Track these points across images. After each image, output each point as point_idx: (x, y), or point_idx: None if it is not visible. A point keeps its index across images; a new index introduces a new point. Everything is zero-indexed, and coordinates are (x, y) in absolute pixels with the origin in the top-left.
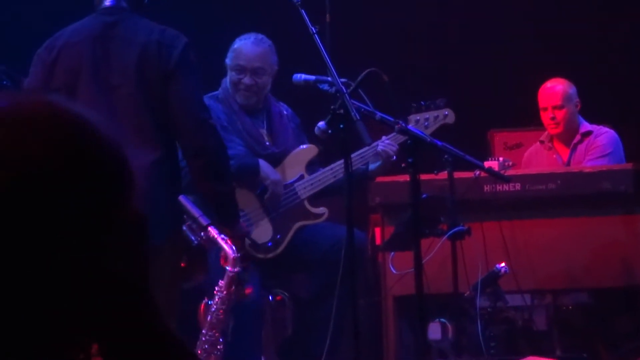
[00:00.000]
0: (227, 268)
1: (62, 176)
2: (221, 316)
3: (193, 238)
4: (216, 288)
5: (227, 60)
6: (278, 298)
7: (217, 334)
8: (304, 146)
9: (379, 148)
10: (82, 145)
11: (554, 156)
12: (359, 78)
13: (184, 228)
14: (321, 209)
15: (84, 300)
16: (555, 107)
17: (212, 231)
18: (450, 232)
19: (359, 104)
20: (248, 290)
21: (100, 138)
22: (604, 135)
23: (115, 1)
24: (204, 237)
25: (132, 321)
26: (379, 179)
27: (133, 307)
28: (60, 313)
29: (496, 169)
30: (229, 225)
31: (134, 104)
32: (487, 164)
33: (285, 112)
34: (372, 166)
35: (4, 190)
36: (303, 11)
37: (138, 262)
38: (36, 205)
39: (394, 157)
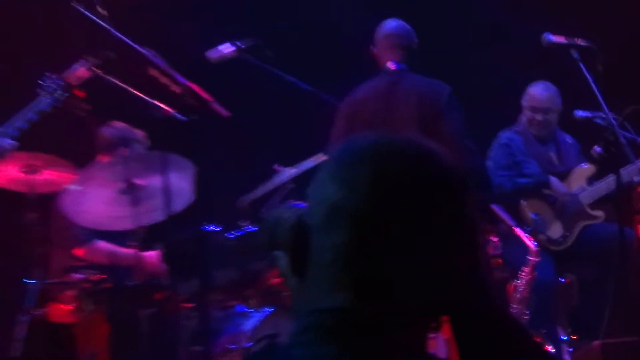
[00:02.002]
0: (530, 258)
1: (425, 189)
2: (526, 294)
3: None
4: (521, 273)
5: (523, 102)
6: (567, 280)
7: (522, 308)
8: (585, 165)
9: None
10: (435, 168)
11: None
12: (625, 113)
13: None
14: (598, 212)
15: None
16: None
17: (517, 230)
18: None
19: (624, 132)
20: None
21: (447, 164)
22: None
23: (398, 65)
24: None
25: (481, 301)
26: None
27: (481, 288)
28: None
29: None
30: None
31: None
32: None
33: (569, 140)
34: (636, 179)
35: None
36: (581, 65)
37: (477, 253)
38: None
39: None
